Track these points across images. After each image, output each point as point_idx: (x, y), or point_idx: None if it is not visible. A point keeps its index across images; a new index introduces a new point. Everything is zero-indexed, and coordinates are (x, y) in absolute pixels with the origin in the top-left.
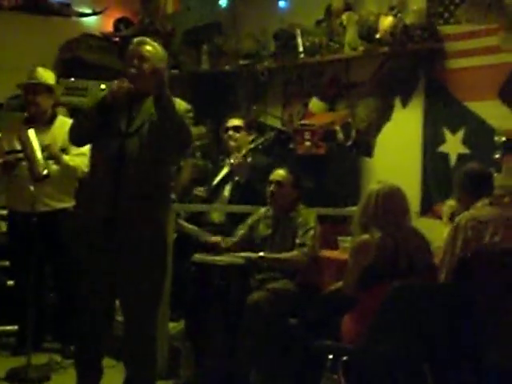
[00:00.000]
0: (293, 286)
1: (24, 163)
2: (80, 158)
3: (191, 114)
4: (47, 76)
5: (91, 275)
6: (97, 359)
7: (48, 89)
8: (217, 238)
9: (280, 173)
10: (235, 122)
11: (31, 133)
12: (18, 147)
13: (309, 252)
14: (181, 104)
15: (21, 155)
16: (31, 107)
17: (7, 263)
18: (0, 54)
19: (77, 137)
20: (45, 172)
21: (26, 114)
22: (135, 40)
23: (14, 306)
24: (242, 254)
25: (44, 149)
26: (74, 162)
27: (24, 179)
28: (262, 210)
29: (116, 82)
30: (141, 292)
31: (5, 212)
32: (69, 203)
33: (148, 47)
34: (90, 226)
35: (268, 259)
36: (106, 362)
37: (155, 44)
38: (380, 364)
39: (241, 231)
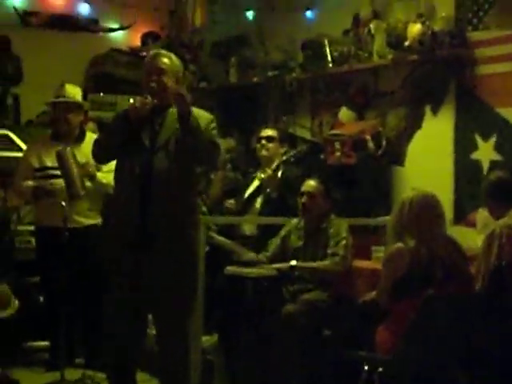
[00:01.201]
0: (326, 297)
1: (53, 180)
2: (111, 174)
3: (214, 125)
4: (75, 92)
5: (121, 291)
6: (129, 374)
7: (77, 106)
8: (250, 255)
9: (311, 184)
10: (269, 132)
11: (69, 152)
12: (49, 164)
13: (341, 262)
14: (203, 115)
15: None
16: (62, 124)
17: (37, 279)
18: (29, 70)
19: (101, 153)
20: (82, 192)
21: (51, 131)
22: (151, 53)
23: (45, 322)
24: (274, 266)
25: (79, 167)
26: (106, 180)
27: (55, 195)
28: (294, 220)
29: (138, 98)
30: (173, 306)
31: (32, 228)
32: (97, 220)
33: (164, 59)
34: (118, 243)
35: (299, 268)
36: (140, 376)
37: (171, 55)
38: (416, 375)
39: (274, 244)
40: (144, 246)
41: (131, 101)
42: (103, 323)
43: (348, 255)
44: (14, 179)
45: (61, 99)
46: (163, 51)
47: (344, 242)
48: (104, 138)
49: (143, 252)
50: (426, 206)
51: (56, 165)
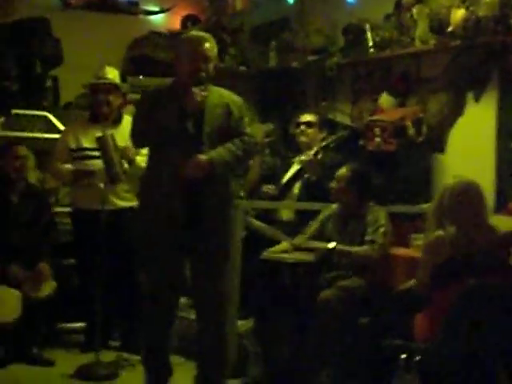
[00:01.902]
0: (364, 283)
1: (90, 161)
2: None
3: (245, 111)
4: (114, 75)
5: (157, 273)
6: (164, 356)
7: (117, 87)
8: (283, 245)
9: (343, 170)
10: (308, 117)
11: (110, 137)
12: (86, 145)
13: (379, 249)
14: (234, 100)
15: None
16: (101, 106)
17: (73, 261)
18: (68, 52)
19: (143, 140)
20: (123, 176)
21: (89, 113)
22: (193, 37)
23: (81, 304)
24: (313, 244)
25: (119, 151)
26: (145, 163)
27: (92, 176)
28: (333, 206)
29: (197, 91)
30: (213, 290)
31: (70, 209)
32: (134, 202)
33: (208, 45)
34: (158, 226)
35: (338, 251)
36: (175, 359)
37: (211, 38)
38: (454, 363)
39: (312, 227)
40: (187, 225)
41: (194, 91)
42: (140, 305)
43: (386, 243)
44: (50, 161)
45: (101, 81)
46: (203, 34)
47: (382, 229)
48: (148, 125)
49: (186, 230)
50: (468, 193)
51: (93, 146)
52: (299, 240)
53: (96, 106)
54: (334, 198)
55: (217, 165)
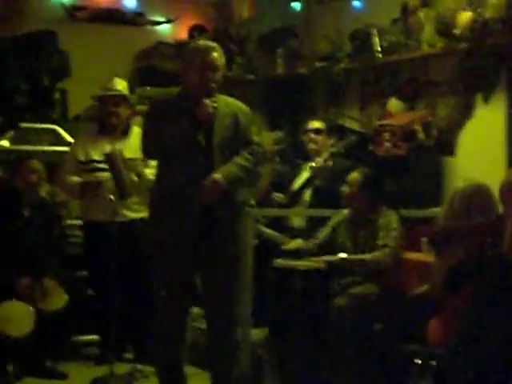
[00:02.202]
0: (376, 290)
1: (99, 174)
2: None
3: (252, 119)
4: (123, 86)
5: (169, 283)
6: (178, 367)
7: (125, 99)
8: (297, 242)
9: (354, 175)
10: (316, 124)
11: (119, 152)
12: (95, 157)
13: (391, 253)
14: (241, 108)
15: (99, 174)
16: (110, 118)
17: (86, 273)
18: (76, 65)
19: (154, 152)
20: (132, 192)
21: (99, 124)
22: (202, 46)
23: (95, 316)
24: (324, 258)
25: (127, 166)
26: (154, 176)
27: (101, 188)
28: (345, 211)
29: (208, 103)
30: (223, 299)
31: (79, 222)
32: (144, 213)
33: (216, 54)
34: (170, 237)
35: (350, 261)
36: (189, 369)
37: (218, 47)
38: (471, 368)
39: (323, 233)
40: (199, 236)
41: (206, 103)
42: (153, 317)
43: (398, 247)
44: (59, 173)
45: (110, 92)
46: (211, 43)
47: (394, 233)
48: (159, 137)
49: (199, 241)
50: (477, 196)
51: (102, 158)
52: (310, 245)
53: (105, 118)
54: (345, 203)
55: (230, 183)
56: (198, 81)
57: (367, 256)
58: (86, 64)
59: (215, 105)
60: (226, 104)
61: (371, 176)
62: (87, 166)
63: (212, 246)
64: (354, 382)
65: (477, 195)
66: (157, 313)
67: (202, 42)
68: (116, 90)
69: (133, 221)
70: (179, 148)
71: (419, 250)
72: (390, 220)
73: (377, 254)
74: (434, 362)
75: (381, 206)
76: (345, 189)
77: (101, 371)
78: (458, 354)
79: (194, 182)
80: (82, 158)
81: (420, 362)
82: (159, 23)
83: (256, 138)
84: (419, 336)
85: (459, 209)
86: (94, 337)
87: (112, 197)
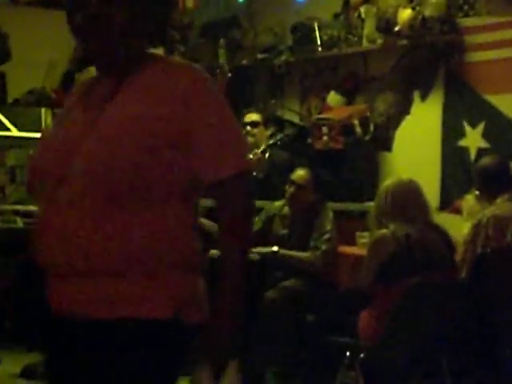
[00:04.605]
0: (309, 282)
1: None
2: None
3: None
4: None
5: None
6: None
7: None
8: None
9: (301, 174)
10: (252, 117)
11: None
12: None
13: (321, 256)
14: None
15: None
16: None
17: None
18: (16, 49)
19: None
20: None
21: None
22: None
23: None
24: (256, 250)
25: None
26: None
27: None
28: (277, 204)
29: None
30: None
31: (18, 207)
32: None
33: None
34: None
35: (282, 255)
36: None
37: None
38: (398, 361)
39: (256, 225)
40: None
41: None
42: None
43: (330, 250)
44: None
45: None
46: None
47: (327, 235)
48: None
49: None
50: (404, 193)
51: None
52: None
53: None
54: (290, 202)
55: None
56: None
57: (298, 255)
58: (26, 48)
59: None
60: None
61: (315, 174)
62: None
63: None
64: (284, 373)
65: (401, 191)
66: None
67: None
68: None
69: None
70: None
71: (353, 244)
72: (325, 220)
73: (307, 254)
74: (362, 355)
75: (320, 205)
76: (290, 189)
77: (33, 358)
78: (386, 347)
79: None
80: None
81: (350, 354)
82: None
83: None
84: (350, 329)
85: (386, 205)
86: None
87: None
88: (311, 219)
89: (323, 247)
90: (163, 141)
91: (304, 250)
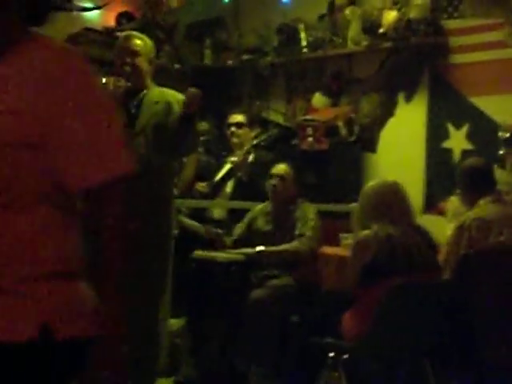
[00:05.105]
0: (292, 282)
1: None
2: None
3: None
4: None
5: None
6: None
7: None
8: (218, 231)
9: (282, 167)
10: (237, 118)
11: None
12: None
13: (308, 242)
14: (178, 97)
15: None
16: None
17: None
18: None
19: None
20: None
21: None
22: (123, 35)
23: None
24: (241, 251)
25: None
26: None
27: None
28: (259, 206)
29: (111, 80)
30: (144, 288)
31: None
32: None
33: (138, 41)
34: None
35: (267, 253)
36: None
37: (143, 36)
38: (380, 362)
39: (238, 230)
40: None
41: (103, 81)
42: None
43: (315, 236)
44: None
45: None
46: (135, 32)
47: (312, 222)
48: None
49: None
50: (386, 195)
51: None
52: (227, 242)
53: None
54: (273, 195)
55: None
56: (118, 65)
57: (284, 247)
58: None
59: (121, 84)
60: (160, 92)
61: (295, 169)
62: None
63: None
64: (268, 372)
65: (383, 193)
66: None
67: (127, 31)
68: None
69: None
70: None
71: (337, 245)
72: (307, 211)
73: (293, 243)
74: (345, 356)
75: (300, 199)
76: (271, 181)
77: None
78: (369, 347)
79: None
80: None
81: (333, 355)
82: (87, 9)
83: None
84: (334, 329)
85: (368, 206)
86: None
87: None
88: (293, 212)
89: (308, 233)
90: (20, 139)
91: (289, 242)
